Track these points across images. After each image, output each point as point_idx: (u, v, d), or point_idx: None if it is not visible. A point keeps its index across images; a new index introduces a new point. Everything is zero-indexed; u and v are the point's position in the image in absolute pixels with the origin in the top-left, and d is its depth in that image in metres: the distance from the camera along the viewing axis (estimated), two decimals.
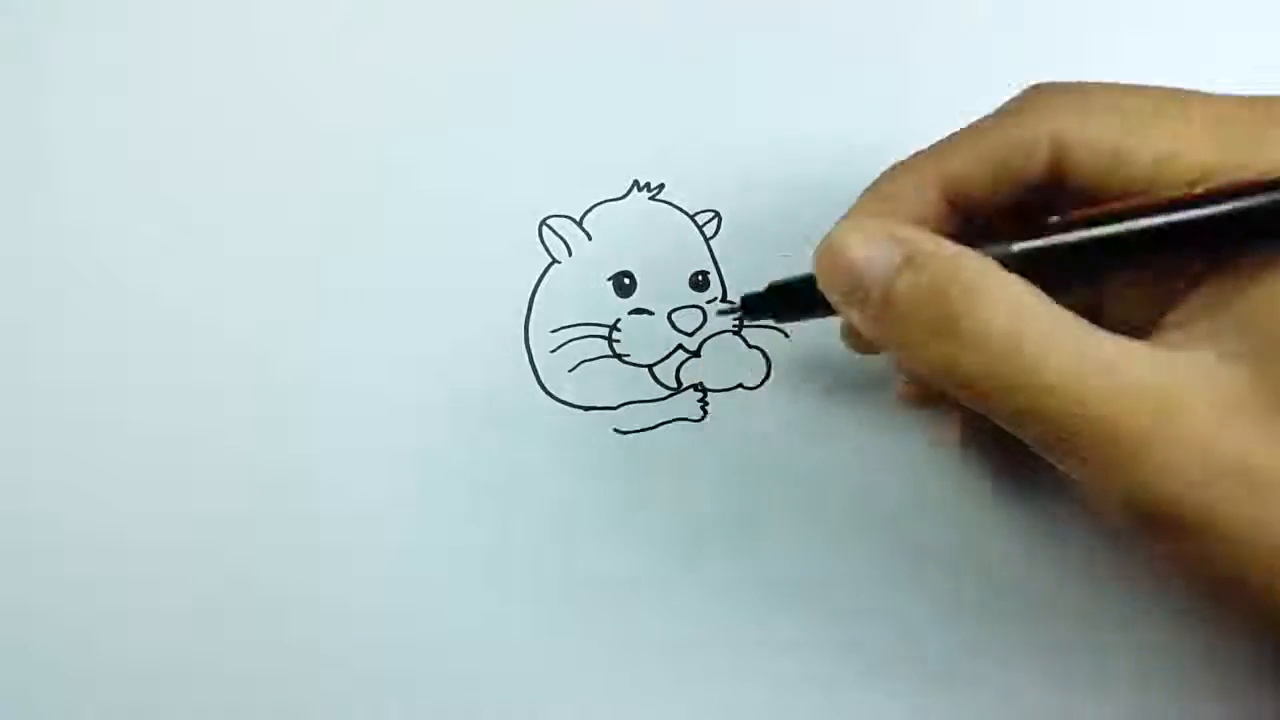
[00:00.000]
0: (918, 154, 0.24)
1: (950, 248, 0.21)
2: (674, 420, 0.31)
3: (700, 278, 0.32)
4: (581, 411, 0.31)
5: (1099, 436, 0.19)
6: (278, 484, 0.30)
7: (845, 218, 0.24)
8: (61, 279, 0.32)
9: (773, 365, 0.31)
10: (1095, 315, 0.21)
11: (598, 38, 0.34)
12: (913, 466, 0.30)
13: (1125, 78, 0.22)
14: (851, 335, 0.28)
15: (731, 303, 0.28)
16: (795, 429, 0.30)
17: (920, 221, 0.23)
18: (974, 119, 0.24)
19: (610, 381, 0.31)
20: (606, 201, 0.32)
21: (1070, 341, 0.20)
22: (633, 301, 0.32)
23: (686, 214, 0.32)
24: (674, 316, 0.31)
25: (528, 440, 0.31)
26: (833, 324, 0.28)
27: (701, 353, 0.31)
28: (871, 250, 0.21)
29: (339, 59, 0.34)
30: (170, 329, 0.32)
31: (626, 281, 0.32)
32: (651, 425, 0.31)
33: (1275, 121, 0.20)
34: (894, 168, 0.24)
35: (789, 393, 0.31)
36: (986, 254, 0.21)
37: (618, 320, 0.31)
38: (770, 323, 0.29)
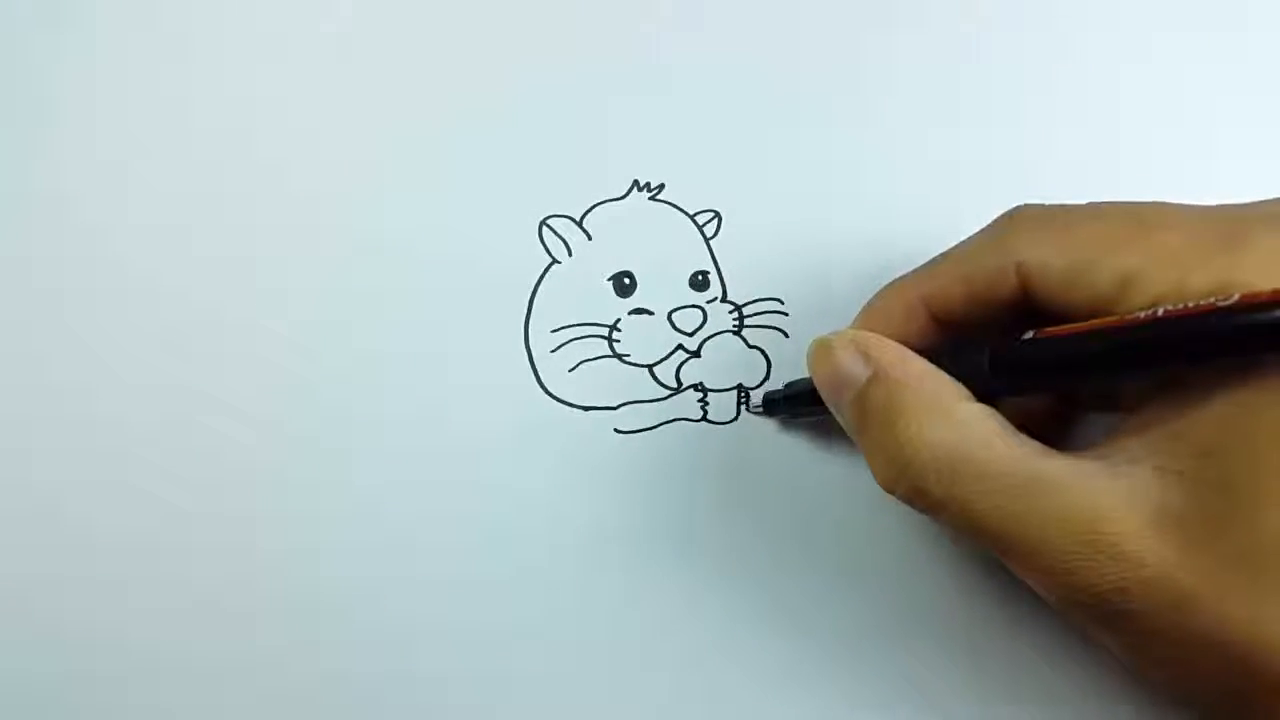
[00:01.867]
0: (905, 276, 0.26)
1: (915, 369, 0.24)
2: (674, 420, 0.31)
3: (700, 278, 0.32)
4: (581, 411, 0.31)
5: (1032, 551, 0.21)
6: (277, 484, 0.30)
7: (846, 330, 0.27)
8: (62, 279, 0.32)
9: (773, 365, 0.31)
10: (1068, 419, 0.25)
11: (598, 38, 0.34)
12: None
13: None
14: None
15: (746, 391, 0.31)
16: (795, 429, 0.30)
17: (910, 335, 0.25)
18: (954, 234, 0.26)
19: (610, 381, 0.31)
20: (606, 201, 0.32)
21: (1009, 463, 0.22)
22: (633, 301, 0.32)
23: (686, 214, 0.32)
24: (674, 316, 0.31)
25: (528, 440, 0.31)
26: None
27: (701, 353, 0.31)
28: (851, 358, 0.24)
29: (339, 59, 0.34)
30: (169, 329, 0.32)
31: (626, 281, 0.32)
32: (651, 425, 0.31)
33: (1235, 243, 0.21)
34: (885, 288, 0.26)
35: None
36: (963, 357, 0.23)
37: (618, 320, 0.31)
38: (768, 415, 0.31)
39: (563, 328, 0.31)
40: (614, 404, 0.31)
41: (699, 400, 0.31)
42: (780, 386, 0.30)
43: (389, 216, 0.32)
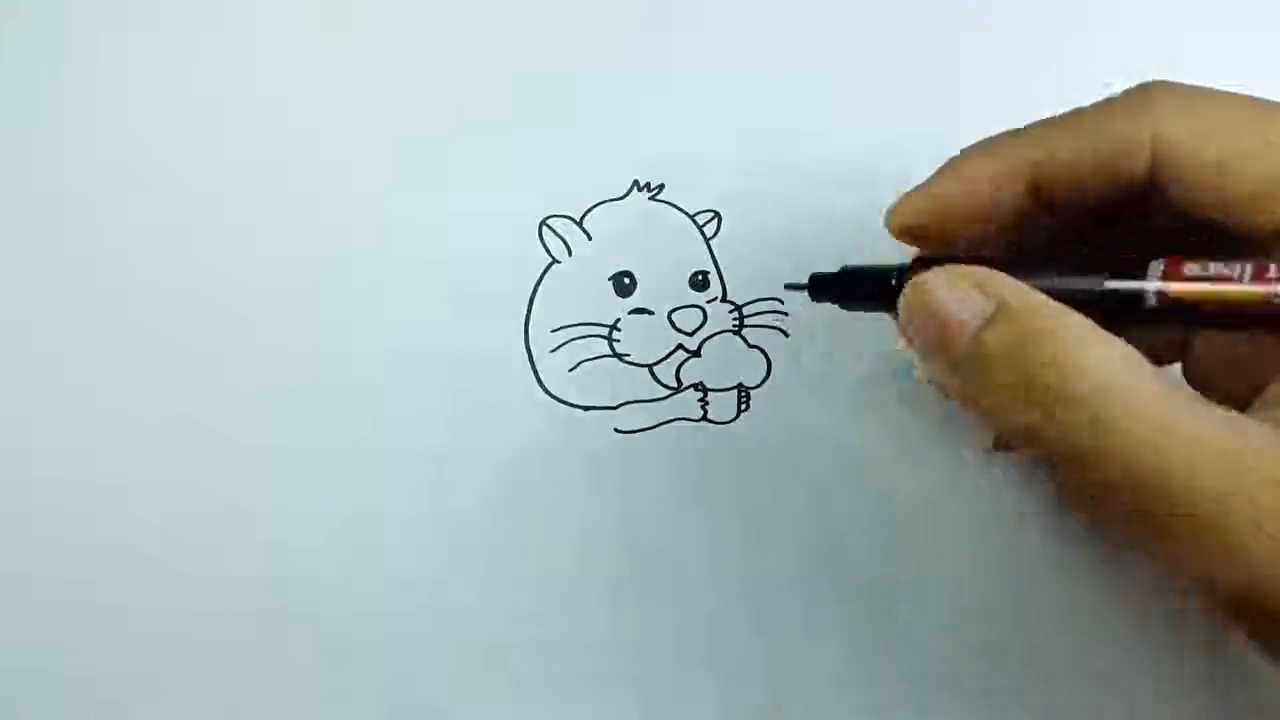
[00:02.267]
0: (1009, 133, 0.22)
1: (1044, 304, 0.20)
2: (674, 420, 0.31)
3: (700, 278, 0.32)
4: (581, 411, 0.31)
5: (1203, 520, 0.18)
6: (277, 484, 0.30)
7: (927, 181, 0.23)
8: (62, 279, 0.32)
9: (773, 365, 0.31)
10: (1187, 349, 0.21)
11: (598, 38, 0.34)
12: (913, 464, 0.30)
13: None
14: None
15: (796, 285, 0.26)
16: (795, 428, 0.30)
17: (997, 211, 0.22)
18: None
19: (610, 381, 0.31)
20: (606, 201, 0.32)
21: (1167, 419, 0.18)
22: (633, 301, 0.32)
23: (686, 214, 0.32)
24: (674, 316, 0.31)
25: (528, 440, 0.31)
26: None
27: (701, 353, 0.31)
28: (960, 297, 0.20)
29: (340, 59, 0.34)
30: (168, 328, 0.31)
31: (626, 281, 0.32)
32: (651, 425, 0.31)
33: None
34: (976, 146, 0.22)
35: (789, 392, 0.31)
36: (1073, 285, 0.20)
37: (618, 320, 0.31)
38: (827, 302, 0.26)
39: (563, 328, 0.31)
40: (614, 404, 0.31)
41: (699, 400, 0.31)
42: (830, 271, 0.26)
43: (389, 216, 0.32)
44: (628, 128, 0.33)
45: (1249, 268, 0.18)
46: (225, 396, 0.31)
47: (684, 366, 0.31)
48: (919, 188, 0.23)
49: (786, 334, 0.31)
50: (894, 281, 0.23)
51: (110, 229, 0.32)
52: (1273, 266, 0.18)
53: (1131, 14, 0.34)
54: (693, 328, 0.31)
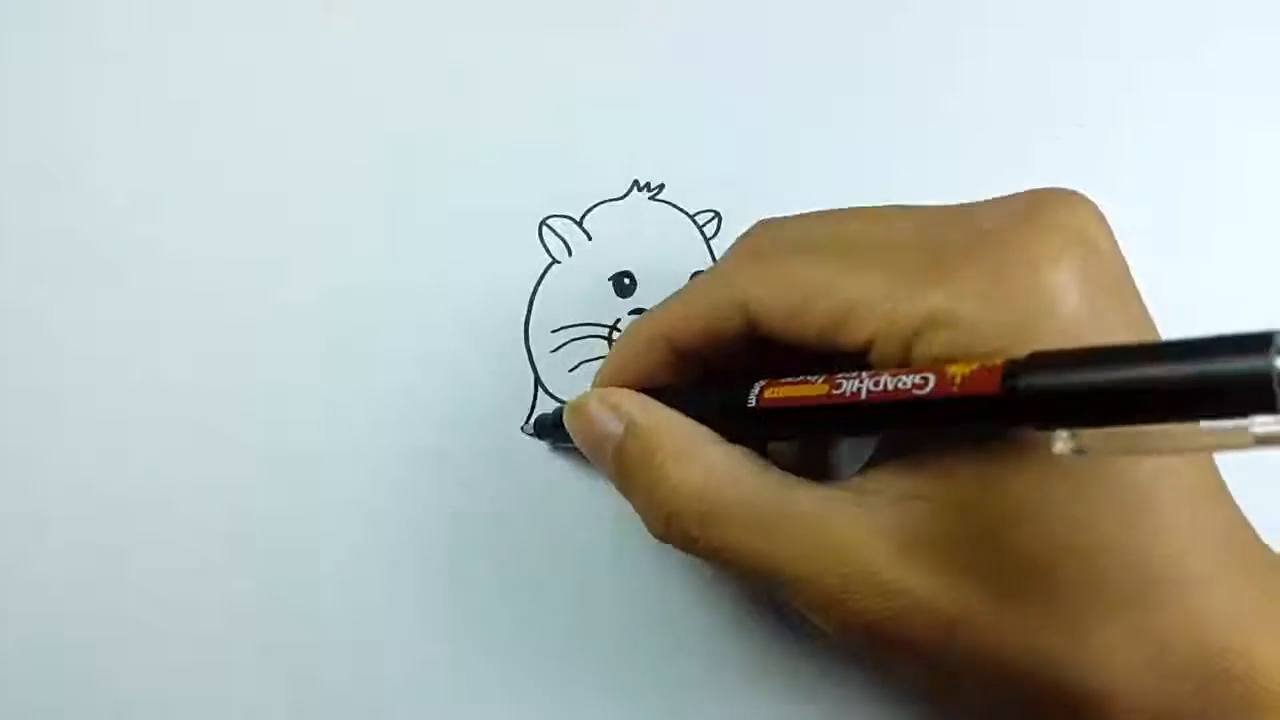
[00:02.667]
0: (648, 313, 0.27)
1: (662, 418, 0.24)
2: None
3: None
4: None
5: (799, 584, 0.21)
6: (276, 484, 0.30)
7: (597, 379, 0.28)
8: (63, 278, 0.32)
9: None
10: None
11: (597, 38, 0.34)
12: None
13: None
14: None
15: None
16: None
17: (656, 368, 0.26)
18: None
19: None
20: (606, 201, 0.32)
21: (759, 500, 0.22)
22: (633, 301, 0.32)
23: (686, 214, 0.32)
24: None
25: (528, 440, 0.31)
26: None
27: None
28: (607, 416, 0.25)
29: (340, 59, 0.34)
30: (168, 328, 0.31)
31: (626, 281, 0.32)
32: None
33: (940, 274, 0.20)
34: (630, 326, 0.27)
35: None
36: (700, 398, 0.25)
37: (618, 320, 0.31)
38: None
39: (563, 328, 0.31)
40: None
41: None
42: (550, 412, 0.30)
43: (389, 216, 0.32)
44: (628, 127, 0.33)
45: (821, 376, 0.22)
46: (225, 396, 0.31)
47: None
48: (601, 367, 0.28)
49: None
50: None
51: (110, 229, 0.32)
52: (839, 375, 0.21)
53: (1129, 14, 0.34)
54: None
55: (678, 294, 0.26)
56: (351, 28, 0.34)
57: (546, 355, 0.31)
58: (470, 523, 0.30)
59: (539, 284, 0.32)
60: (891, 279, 0.21)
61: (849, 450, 0.28)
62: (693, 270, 0.32)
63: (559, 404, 0.31)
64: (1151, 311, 0.21)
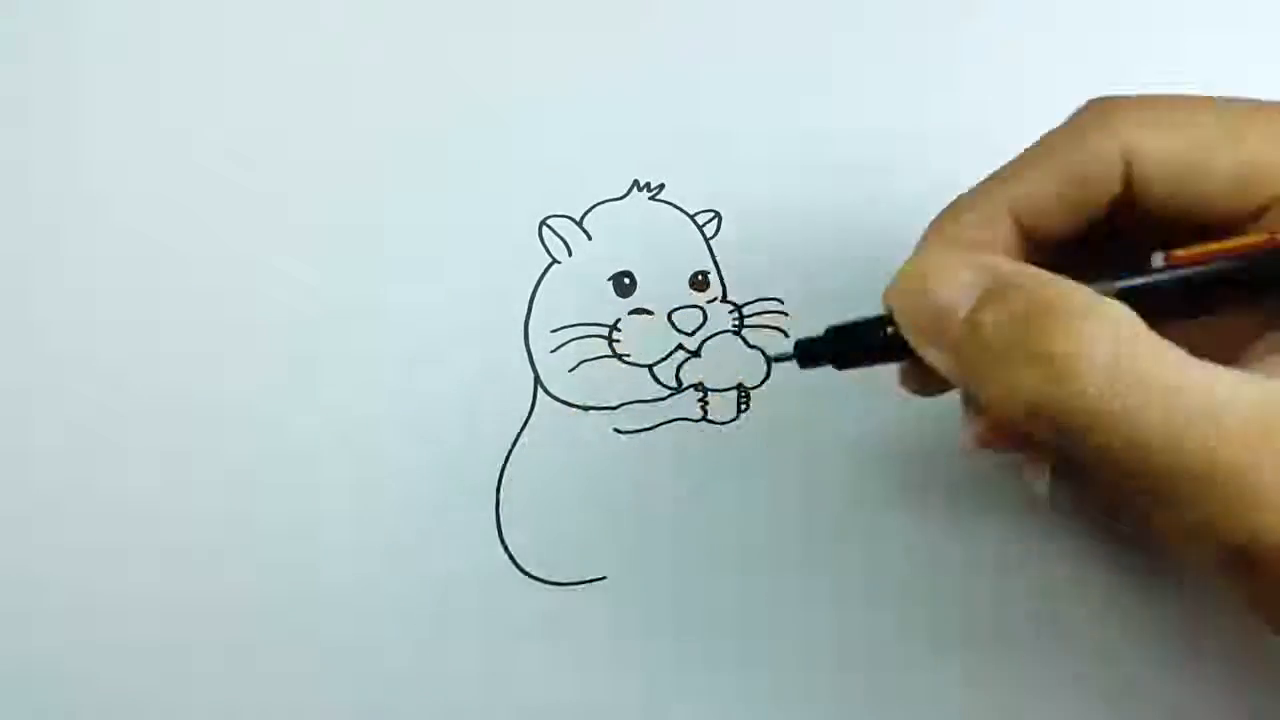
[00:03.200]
0: (984, 180, 0.22)
1: (1043, 275, 0.20)
2: (674, 420, 0.31)
3: (700, 278, 0.32)
4: (581, 411, 0.31)
5: (1209, 475, 0.18)
6: (276, 484, 0.30)
7: (916, 251, 0.23)
8: (60, 279, 0.32)
9: (773, 365, 0.31)
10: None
11: (598, 38, 0.34)
12: (914, 463, 0.30)
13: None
14: (911, 378, 0.24)
15: (773, 355, 0.25)
16: (795, 428, 0.30)
17: (995, 253, 0.21)
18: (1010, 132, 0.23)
19: (610, 381, 0.31)
20: (606, 201, 0.32)
21: (1173, 377, 0.18)
22: (633, 301, 0.32)
23: (686, 214, 0.32)
24: (674, 316, 0.31)
25: (528, 440, 0.31)
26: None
27: (701, 353, 0.31)
28: (953, 279, 0.20)
29: (340, 59, 0.34)
30: (166, 328, 0.31)
31: (626, 281, 0.32)
32: (651, 425, 0.31)
33: None
34: (960, 197, 0.22)
35: (789, 392, 0.31)
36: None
37: (618, 320, 0.31)
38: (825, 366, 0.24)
39: (563, 328, 0.31)
40: (614, 404, 0.31)
41: (699, 400, 0.31)
42: (816, 335, 0.24)
43: (389, 216, 0.32)
44: (628, 128, 0.33)
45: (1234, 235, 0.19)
46: (225, 397, 0.31)
47: (684, 367, 0.31)
48: (918, 247, 0.22)
49: (786, 334, 0.31)
50: (889, 330, 0.22)
51: (109, 228, 0.32)
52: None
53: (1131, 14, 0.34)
54: (693, 328, 0.31)
55: (1023, 154, 0.21)
56: (351, 28, 0.34)
57: (546, 355, 0.31)
58: (469, 523, 0.30)
59: (539, 284, 0.32)
60: None
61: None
62: (693, 270, 0.32)
63: (559, 404, 0.31)
64: None
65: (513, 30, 0.34)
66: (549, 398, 0.31)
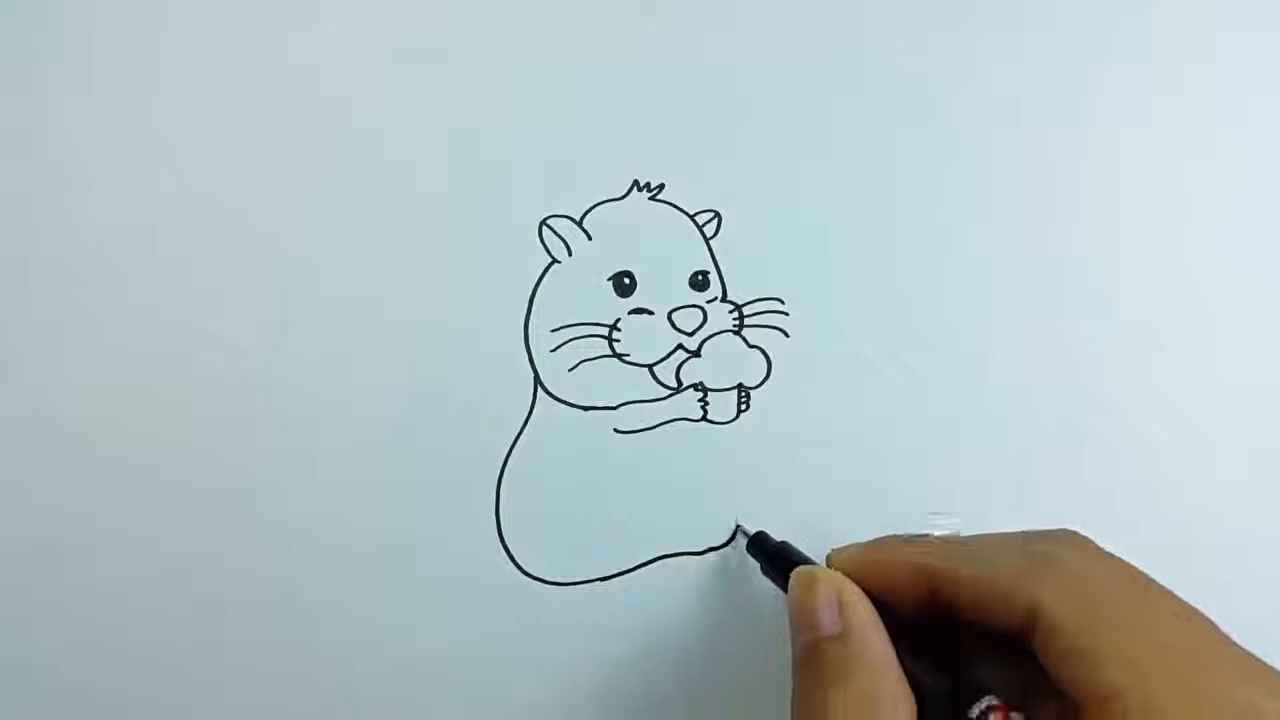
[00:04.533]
0: (934, 548, 0.26)
1: (879, 652, 0.23)
2: (674, 420, 0.31)
3: (700, 278, 0.32)
4: (581, 411, 0.31)
5: None
6: (276, 483, 0.30)
7: (838, 553, 0.27)
8: (60, 284, 0.32)
9: (773, 365, 0.31)
10: None
11: (598, 38, 0.34)
12: (914, 463, 0.30)
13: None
14: None
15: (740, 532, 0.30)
16: (795, 428, 0.30)
17: (903, 589, 0.25)
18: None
19: (610, 381, 0.31)
20: (606, 201, 0.32)
21: None
22: (633, 301, 0.32)
23: (686, 214, 0.32)
24: (674, 316, 0.31)
25: (528, 440, 0.31)
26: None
27: (701, 353, 0.31)
28: (827, 605, 0.24)
29: (339, 59, 0.34)
30: (168, 328, 0.31)
31: (626, 281, 0.32)
32: (651, 425, 0.31)
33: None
34: (908, 543, 0.26)
35: (789, 392, 0.31)
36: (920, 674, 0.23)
37: (618, 320, 0.31)
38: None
39: (563, 327, 0.31)
40: (614, 404, 0.31)
41: (699, 400, 0.31)
42: (771, 542, 0.29)
43: (389, 216, 0.32)
44: (628, 128, 0.33)
45: None
46: (224, 397, 0.31)
47: (684, 366, 0.31)
48: (856, 549, 0.27)
49: (786, 334, 0.31)
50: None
51: (110, 227, 0.32)
52: None
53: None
54: (693, 328, 0.31)
55: (971, 553, 0.25)
56: (351, 28, 0.34)
57: (546, 355, 0.31)
58: (469, 523, 0.30)
59: (539, 284, 0.32)
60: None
61: None
62: (693, 270, 0.32)
63: (559, 404, 0.31)
64: None
65: (513, 30, 0.34)
66: (549, 398, 0.31)
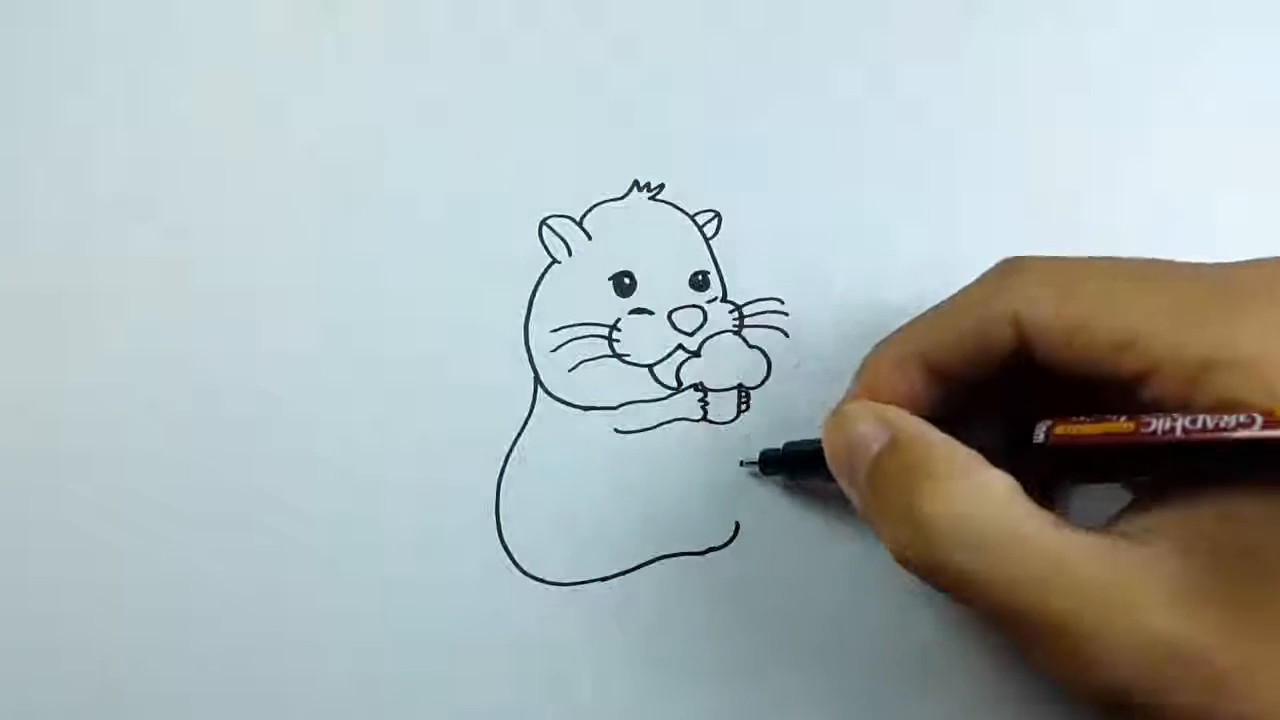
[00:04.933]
0: (898, 332, 0.26)
1: (927, 435, 0.23)
2: (674, 420, 0.31)
3: (700, 278, 0.32)
4: (581, 411, 0.31)
5: (1054, 631, 0.20)
6: (275, 485, 0.30)
7: (839, 403, 0.26)
8: (61, 278, 0.32)
9: (773, 365, 0.31)
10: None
11: (598, 37, 0.34)
12: None
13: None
14: None
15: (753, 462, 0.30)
16: (795, 428, 0.30)
17: (909, 390, 0.25)
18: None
19: (610, 381, 0.31)
20: (606, 201, 0.32)
21: (1030, 542, 0.20)
22: (633, 301, 0.32)
23: (686, 214, 0.32)
24: (674, 316, 0.31)
25: (528, 440, 0.31)
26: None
27: (701, 353, 0.31)
28: (867, 428, 0.24)
29: (339, 58, 0.34)
30: (168, 328, 0.32)
31: (626, 281, 0.32)
32: (651, 425, 0.31)
33: (1232, 308, 0.20)
34: (878, 347, 0.26)
35: (789, 392, 0.31)
36: (976, 437, 0.23)
37: (618, 320, 0.31)
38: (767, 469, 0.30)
39: (563, 328, 0.31)
40: (614, 404, 0.31)
41: (699, 400, 0.31)
42: (778, 446, 0.29)
43: (389, 216, 0.32)
44: (628, 128, 0.33)
45: (1122, 416, 0.21)
46: (224, 397, 0.31)
47: (684, 366, 0.31)
48: (853, 385, 0.26)
49: (786, 334, 0.31)
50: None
51: (109, 227, 0.32)
52: (1147, 415, 0.20)
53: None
54: (693, 328, 0.31)
55: (932, 310, 0.25)
56: (351, 28, 0.34)
57: (546, 355, 0.31)
58: (470, 523, 0.30)
59: (539, 284, 0.32)
60: (1181, 305, 0.20)
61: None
62: (693, 270, 0.32)
63: (559, 404, 0.31)
64: None
65: (512, 30, 0.34)
66: (549, 398, 0.31)
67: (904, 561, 0.22)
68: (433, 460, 0.30)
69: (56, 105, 0.33)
